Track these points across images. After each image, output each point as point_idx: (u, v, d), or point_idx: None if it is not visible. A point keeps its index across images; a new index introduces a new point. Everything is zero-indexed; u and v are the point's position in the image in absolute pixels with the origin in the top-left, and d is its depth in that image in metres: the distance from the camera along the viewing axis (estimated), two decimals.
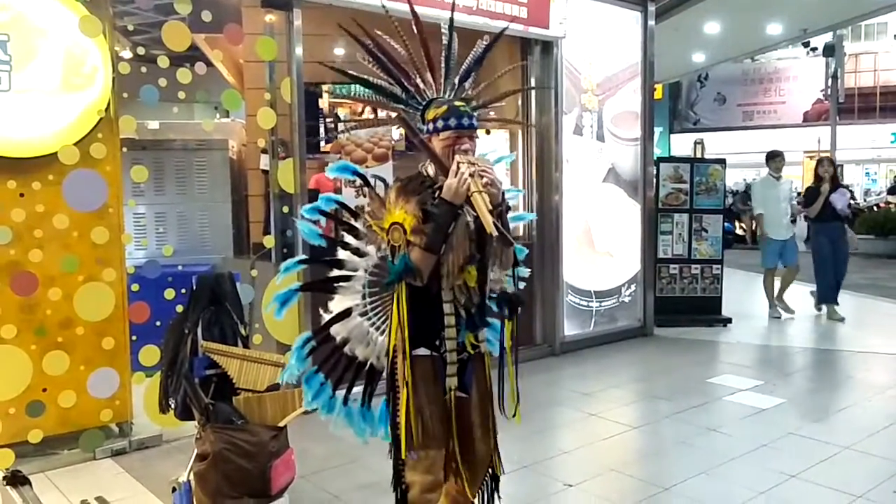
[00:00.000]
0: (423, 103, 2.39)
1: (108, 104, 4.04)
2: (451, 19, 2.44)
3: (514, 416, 2.47)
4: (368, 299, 2.49)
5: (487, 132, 2.60)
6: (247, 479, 3.02)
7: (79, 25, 3.83)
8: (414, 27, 2.40)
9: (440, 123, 2.29)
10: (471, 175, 2.18)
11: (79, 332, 3.99)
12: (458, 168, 2.20)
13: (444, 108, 2.31)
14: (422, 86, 2.40)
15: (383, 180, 2.48)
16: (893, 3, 12.94)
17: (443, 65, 2.41)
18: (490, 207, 2.17)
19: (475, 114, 2.35)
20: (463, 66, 2.44)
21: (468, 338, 2.38)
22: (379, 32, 2.40)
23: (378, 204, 2.40)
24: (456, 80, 2.43)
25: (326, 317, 2.51)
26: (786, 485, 3.69)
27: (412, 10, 2.43)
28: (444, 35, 2.44)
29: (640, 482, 3.79)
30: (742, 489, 3.64)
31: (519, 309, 2.50)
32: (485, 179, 2.20)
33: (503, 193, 2.36)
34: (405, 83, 2.39)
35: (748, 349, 6.68)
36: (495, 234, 2.15)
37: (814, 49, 23.00)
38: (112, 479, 3.83)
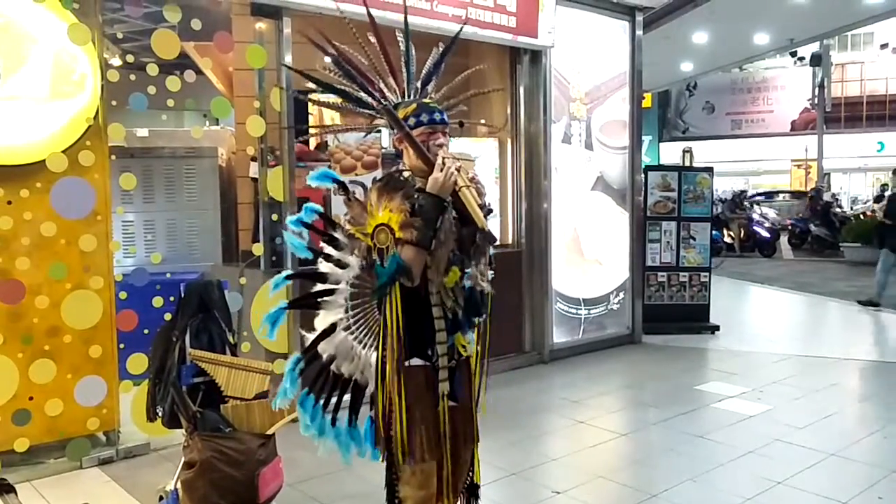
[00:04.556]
0: (391, 106, 2.40)
1: (97, 112, 4.03)
2: (406, 24, 2.48)
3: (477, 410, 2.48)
4: (351, 312, 2.43)
5: (461, 125, 2.61)
6: (234, 487, 3.02)
7: (68, 33, 3.83)
8: (372, 34, 2.43)
9: (412, 121, 2.31)
10: (456, 169, 2.19)
11: (66, 339, 3.97)
12: (444, 163, 2.21)
13: (414, 106, 2.35)
14: (386, 91, 2.42)
15: (362, 185, 2.43)
16: (879, 14, 13.11)
17: (403, 70, 2.44)
18: (480, 202, 2.18)
19: (444, 111, 2.38)
20: (423, 71, 2.48)
21: (458, 339, 2.38)
22: (371, 40, 2.43)
23: (359, 209, 2.34)
24: (418, 85, 2.46)
25: (310, 336, 2.46)
26: (772, 491, 3.71)
27: (369, 16, 2.45)
28: (400, 42, 2.47)
29: (628, 489, 3.81)
30: (729, 496, 3.66)
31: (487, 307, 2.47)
32: (470, 174, 2.23)
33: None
34: (369, 88, 2.41)
35: (735, 356, 6.71)
36: (487, 228, 2.16)
37: (801, 59, 23.28)
38: (99, 488, 3.81)
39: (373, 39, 2.44)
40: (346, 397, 2.50)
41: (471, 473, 2.52)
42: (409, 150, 2.32)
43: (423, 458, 2.30)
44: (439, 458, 2.34)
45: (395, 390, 2.28)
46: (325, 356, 2.44)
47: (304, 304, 2.51)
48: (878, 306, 8.98)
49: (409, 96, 2.44)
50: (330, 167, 5.44)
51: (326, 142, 5.31)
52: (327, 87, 2.44)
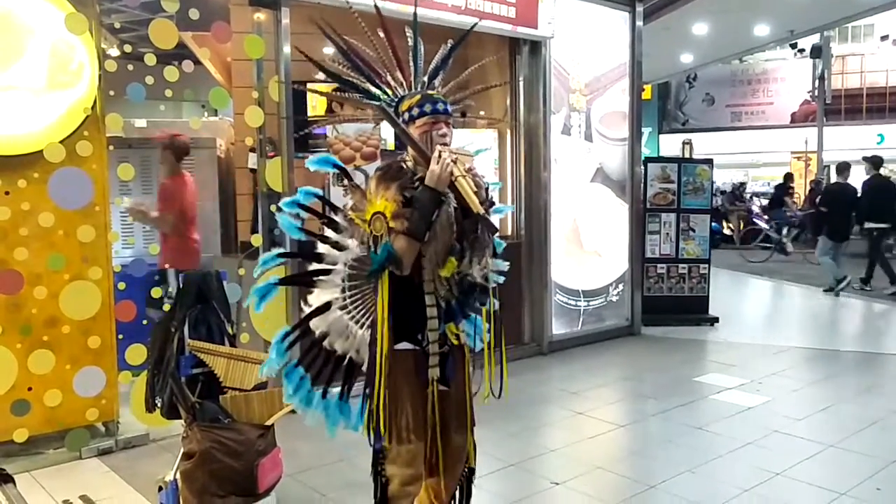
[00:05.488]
0: (396, 99, 2.43)
1: (95, 102, 4.02)
2: (415, 19, 2.49)
3: (499, 396, 2.48)
4: (348, 293, 2.48)
5: (463, 115, 2.64)
6: (233, 477, 3.02)
7: (65, 22, 3.81)
8: (380, 28, 2.45)
9: (415, 111, 2.34)
10: (453, 161, 2.22)
11: (65, 330, 3.97)
12: (440, 155, 2.23)
13: (418, 97, 2.37)
14: (393, 83, 2.45)
15: (364, 172, 2.48)
16: (880, 5, 13.04)
17: (411, 63, 2.46)
18: (475, 189, 2.21)
19: (448, 101, 2.40)
20: (431, 65, 2.50)
21: (449, 328, 2.41)
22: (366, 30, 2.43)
23: (359, 196, 2.40)
24: (425, 78, 2.48)
25: (306, 310, 2.50)
26: (771, 482, 3.72)
27: (377, 11, 2.48)
28: (409, 37, 2.48)
29: (627, 480, 3.81)
30: (727, 487, 3.67)
31: (494, 299, 2.49)
32: (467, 165, 2.26)
33: (487, 188, 2.40)
34: (377, 81, 2.43)
35: (734, 348, 6.72)
36: (482, 212, 2.19)
37: (801, 50, 23.15)
38: (98, 479, 3.81)
39: (381, 34, 2.45)
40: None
41: (465, 462, 2.55)
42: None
43: (409, 440, 2.34)
44: (425, 439, 2.37)
45: (381, 372, 2.32)
46: (317, 332, 2.49)
47: (298, 281, 2.55)
48: (844, 279, 9.31)
49: (416, 89, 2.46)
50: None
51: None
52: (334, 78, 2.46)
